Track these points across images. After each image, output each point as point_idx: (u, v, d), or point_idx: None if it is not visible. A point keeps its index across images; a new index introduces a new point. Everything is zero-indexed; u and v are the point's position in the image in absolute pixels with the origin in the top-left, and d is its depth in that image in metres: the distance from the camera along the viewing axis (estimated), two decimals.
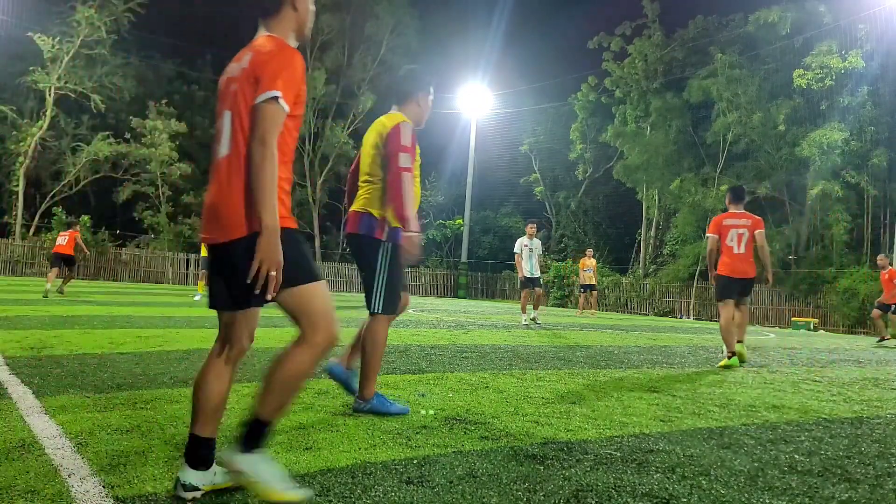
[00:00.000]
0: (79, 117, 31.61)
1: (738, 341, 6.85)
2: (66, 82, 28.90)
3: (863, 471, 2.89)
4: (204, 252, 14.53)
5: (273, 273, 2.00)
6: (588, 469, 2.65)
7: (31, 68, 28.23)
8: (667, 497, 2.36)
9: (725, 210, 7.31)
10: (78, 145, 30.58)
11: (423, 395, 4.08)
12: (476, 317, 13.96)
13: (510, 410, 3.75)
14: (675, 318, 24.93)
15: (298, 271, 2.12)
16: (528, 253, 12.15)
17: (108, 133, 30.47)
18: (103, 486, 2.14)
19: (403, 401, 3.82)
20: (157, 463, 2.42)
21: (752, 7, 25.61)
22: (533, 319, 12.32)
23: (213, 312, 2.26)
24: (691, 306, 25.78)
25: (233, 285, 2.12)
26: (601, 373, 5.68)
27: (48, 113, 29.00)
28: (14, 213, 29.12)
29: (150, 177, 31.79)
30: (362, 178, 3.62)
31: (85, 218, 27.93)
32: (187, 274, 29.76)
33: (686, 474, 2.66)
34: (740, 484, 2.58)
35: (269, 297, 2.05)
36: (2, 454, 2.44)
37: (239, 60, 2.21)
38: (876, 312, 14.14)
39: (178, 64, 38.45)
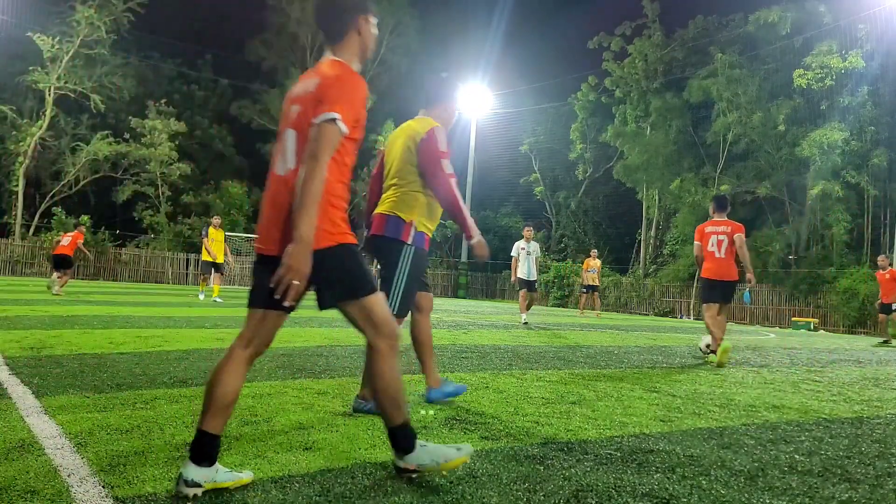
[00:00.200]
0: (78, 117, 31.60)
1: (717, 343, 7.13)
2: (65, 82, 28.88)
3: (863, 471, 2.89)
4: (205, 256, 14.70)
5: (296, 283, 2.08)
6: (588, 469, 2.65)
7: (30, 68, 28.22)
8: (667, 497, 2.36)
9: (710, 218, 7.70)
10: (77, 145, 30.57)
11: (422, 395, 4.08)
12: (476, 317, 13.96)
13: (510, 410, 3.75)
14: (676, 318, 24.94)
15: (361, 284, 2.30)
16: (524, 256, 12.29)
17: (107, 133, 30.46)
18: (103, 487, 2.14)
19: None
20: (157, 463, 2.42)
21: (752, 7, 25.64)
22: (525, 323, 12.39)
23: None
24: (691, 306, 25.78)
25: (335, 286, 2.30)
26: (601, 373, 5.67)
27: (48, 113, 28.99)
28: (14, 213, 29.11)
29: (149, 177, 31.77)
30: (389, 181, 3.61)
31: (84, 218, 27.92)
32: (187, 274, 29.75)
33: (686, 474, 2.66)
34: (740, 484, 2.58)
35: (286, 304, 2.17)
36: (1, 454, 2.44)
37: (304, 82, 2.34)
38: (882, 316, 14.23)
39: (177, 64, 38.45)
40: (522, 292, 12.47)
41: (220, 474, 2.16)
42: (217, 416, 2.21)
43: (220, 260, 14.74)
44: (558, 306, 28.42)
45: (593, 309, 20.04)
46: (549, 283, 29.05)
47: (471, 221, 3.57)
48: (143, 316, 8.93)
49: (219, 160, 37.89)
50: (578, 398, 4.28)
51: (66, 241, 15.63)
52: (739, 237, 7.28)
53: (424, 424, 3.28)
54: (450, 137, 3.66)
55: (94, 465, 2.35)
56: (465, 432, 3.17)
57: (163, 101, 32.89)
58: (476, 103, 34.54)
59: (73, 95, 29.37)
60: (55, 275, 14.86)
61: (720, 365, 6.69)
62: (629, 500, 2.30)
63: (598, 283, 19.50)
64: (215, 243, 14.59)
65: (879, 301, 14.41)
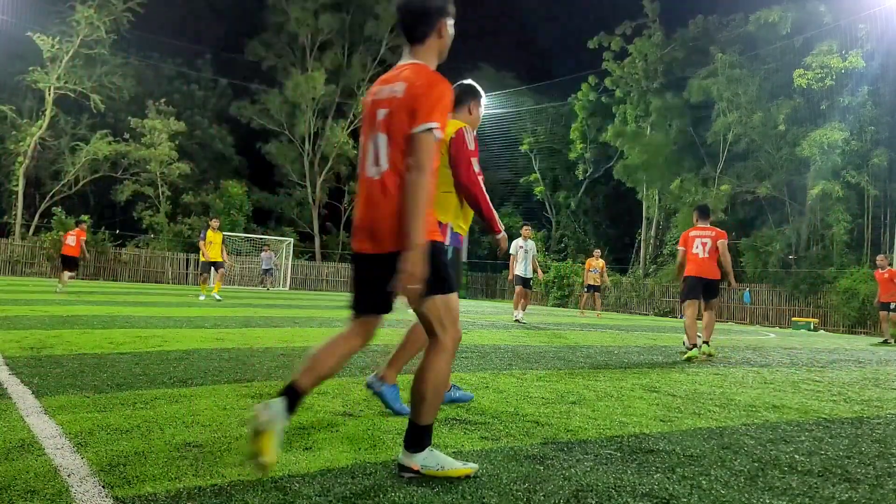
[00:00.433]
0: (78, 117, 31.61)
1: (705, 342, 7.57)
2: (65, 82, 28.89)
3: (863, 471, 2.88)
4: (203, 256, 14.76)
5: (415, 287, 2.22)
6: (588, 469, 2.65)
7: (30, 68, 28.23)
8: (667, 497, 2.36)
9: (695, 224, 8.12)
10: (77, 145, 30.57)
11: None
12: (476, 317, 13.96)
13: (510, 410, 3.75)
14: (676, 318, 24.93)
15: (443, 281, 2.39)
16: (522, 254, 12.72)
17: (106, 132, 30.47)
18: (103, 486, 2.14)
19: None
20: (157, 463, 2.42)
21: (752, 7, 25.62)
22: (517, 319, 12.58)
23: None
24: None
25: (379, 291, 2.37)
26: (601, 373, 5.67)
27: (48, 112, 28.99)
28: (14, 212, 29.12)
29: (149, 176, 31.78)
30: None
31: (84, 217, 27.92)
32: (187, 274, 29.74)
33: (686, 474, 2.65)
34: (740, 484, 2.58)
35: (409, 308, 2.35)
36: (1, 454, 2.44)
37: (390, 85, 2.43)
38: (883, 314, 14.34)
39: (177, 63, 38.46)
40: (518, 289, 12.82)
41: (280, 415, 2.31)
42: (309, 373, 2.38)
43: (218, 259, 14.79)
44: (558, 306, 28.41)
45: (594, 309, 20.04)
46: (548, 283, 29.03)
47: (497, 216, 3.80)
48: (142, 316, 8.93)
49: (218, 160, 37.90)
50: (578, 398, 4.28)
51: (72, 240, 15.89)
52: (723, 243, 7.73)
53: None
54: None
55: (93, 465, 2.35)
56: (465, 432, 3.17)
57: (162, 100, 32.90)
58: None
59: (72, 95, 29.38)
60: (66, 274, 15.27)
61: (689, 360, 7.10)
62: (629, 500, 2.30)
63: (600, 284, 19.51)
64: (213, 245, 14.62)
65: (878, 300, 14.57)
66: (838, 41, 22.97)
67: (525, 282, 12.74)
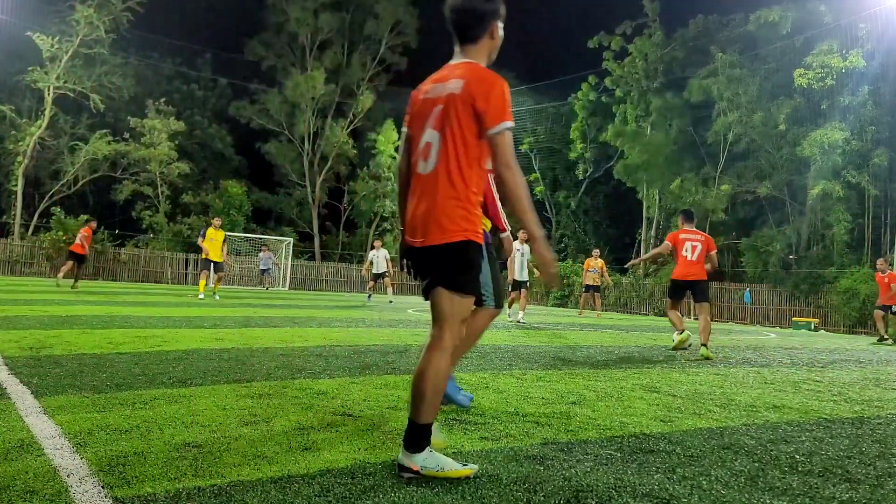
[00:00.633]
0: (77, 117, 31.59)
1: (703, 345, 7.62)
2: (64, 81, 28.88)
3: (864, 471, 2.88)
4: (204, 255, 14.82)
5: (555, 270, 2.43)
6: (588, 469, 2.64)
7: (29, 68, 28.21)
8: (667, 497, 2.35)
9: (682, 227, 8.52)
10: (77, 145, 30.56)
11: None
12: None
13: (510, 410, 3.75)
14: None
15: (465, 282, 2.44)
16: (519, 257, 12.88)
17: (106, 132, 30.45)
18: (102, 487, 2.14)
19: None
20: (156, 463, 2.41)
21: (752, 6, 25.60)
22: (517, 320, 12.68)
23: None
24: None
25: (446, 276, 2.43)
26: (601, 373, 5.67)
27: (47, 112, 28.98)
28: (13, 212, 29.11)
29: (148, 176, 31.76)
30: None
31: (84, 217, 27.92)
32: (186, 274, 29.74)
33: (686, 474, 2.65)
34: (741, 484, 2.57)
35: (555, 289, 2.37)
36: (0, 454, 2.44)
37: (443, 83, 2.48)
38: (878, 313, 14.57)
39: (176, 63, 38.46)
40: (514, 293, 13.00)
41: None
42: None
43: (218, 259, 14.86)
44: (558, 306, 28.41)
45: (594, 309, 20.02)
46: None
47: (504, 216, 3.87)
48: (142, 316, 8.92)
49: (218, 160, 37.89)
50: (578, 398, 4.27)
51: (79, 238, 16.55)
52: (713, 254, 8.23)
53: None
54: None
55: (93, 466, 2.34)
56: (465, 432, 3.16)
57: (162, 100, 32.88)
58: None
59: (72, 95, 29.36)
60: (66, 266, 15.92)
61: (680, 345, 7.91)
62: (629, 500, 2.30)
63: (599, 284, 19.49)
64: (214, 243, 14.69)
65: (879, 302, 14.74)
66: (839, 41, 22.95)
67: (521, 284, 12.93)
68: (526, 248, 12.92)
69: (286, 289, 29.31)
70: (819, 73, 22.69)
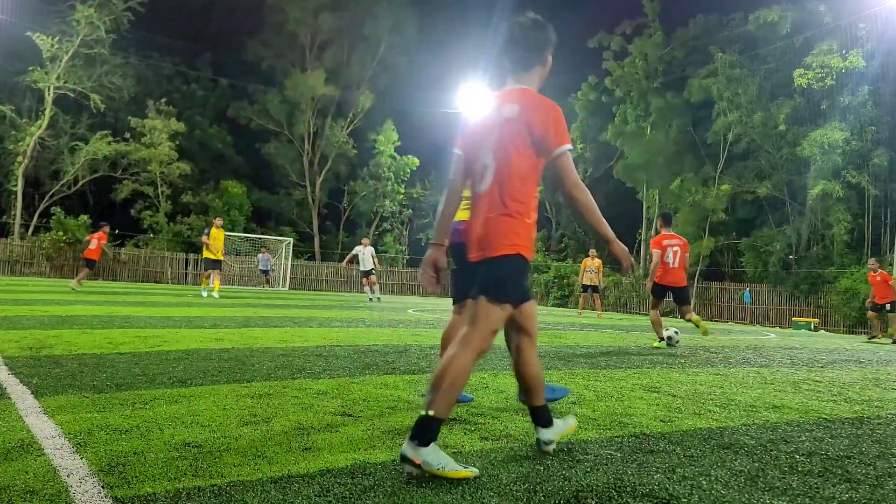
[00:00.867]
0: (78, 117, 31.59)
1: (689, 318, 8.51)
2: (65, 81, 28.89)
3: (863, 471, 2.88)
4: (206, 254, 15.00)
5: (631, 260, 2.75)
6: (588, 469, 2.64)
7: (30, 68, 28.22)
8: (667, 497, 2.35)
9: (662, 231, 9.08)
10: (77, 145, 30.56)
11: (423, 396, 4.07)
12: None
13: (510, 410, 3.75)
14: (675, 318, 24.91)
15: (507, 292, 2.57)
16: None
17: (106, 132, 30.46)
18: (102, 487, 2.14)
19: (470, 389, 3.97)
20: (156, 463, 2.41)
21: (752, 6, 25.58)
22: None
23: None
24: (691, 306, 25.76)
25: (489, 285, 2.58)
26: (601, 373, 5.67)
27: (47, 112, 28.98)
28: (13, 212, 29.12)
29: (149, 176, 31.77)
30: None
31: (84, 217, 27.93)
32: (186, 274, 29.75)
33: (686, 474, 2.65)
34: (740, 484, 2.57)
35: (631, 273, 2.85)
36: (0, 454, 2.44)
37: (499, 108, 2.66)
38: (871, 313, 14.85)
39: (177, 63, 38.43)
40: None
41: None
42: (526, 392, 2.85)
43: (220, 258, 15.08)
44: (558, 306, 28.40)
45: (593, 309, 20.00)
46: (548, 282, 29.00)
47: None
48: (142, 316, 8.92)
49: (218, 160, 37.89)
50: (578, 398, 4.27)
51: (94, 244, 16.66)
52: (687, 257, 8.84)
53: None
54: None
55: (93, 466, 2.34)
56: (465, 433, 3.16)
57: (162, 100, 32.90)
58: (476, 102, 34.50)
59: (72, 95, 29.37)
60: (82, 273, 16.12)
61: (656, 346, 8.41)
62: (629, 500, 2.30)
63: (597, 283, 19.46)
64: (216, 242, 14.90)
65: (871, 301, 14.92)
66: (838, 41, 22.94)
67: None
68: None
69: (286, 289, 29.30)
70: (819, 73, 22.68)
